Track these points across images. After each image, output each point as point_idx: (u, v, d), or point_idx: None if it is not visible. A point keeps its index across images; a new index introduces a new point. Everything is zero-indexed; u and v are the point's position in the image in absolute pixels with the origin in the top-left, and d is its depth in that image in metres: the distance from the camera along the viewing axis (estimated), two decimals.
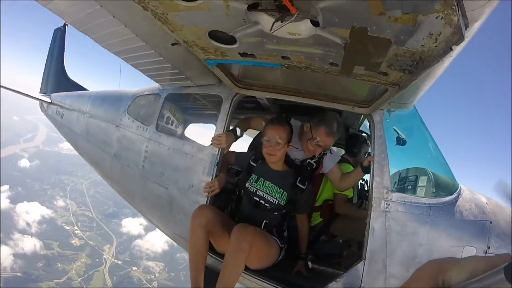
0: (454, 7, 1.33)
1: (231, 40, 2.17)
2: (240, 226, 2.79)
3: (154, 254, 78.61)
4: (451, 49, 1.62)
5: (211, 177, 3.48)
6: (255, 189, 3.25)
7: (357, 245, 3.80)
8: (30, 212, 79.77)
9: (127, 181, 4.61)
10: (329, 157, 3.57)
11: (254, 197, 3.23)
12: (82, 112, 5.81)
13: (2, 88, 7.55)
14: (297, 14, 1.54)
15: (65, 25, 8.88)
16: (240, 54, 2.40)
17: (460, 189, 3.19)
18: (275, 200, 3.18)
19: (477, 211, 3.04)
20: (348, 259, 3.50)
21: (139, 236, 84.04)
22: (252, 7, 1.65)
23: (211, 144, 3.55)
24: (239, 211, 3.34)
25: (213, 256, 3.30)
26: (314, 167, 3.41)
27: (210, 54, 2.56)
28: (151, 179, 4.07)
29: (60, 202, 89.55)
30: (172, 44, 2.92)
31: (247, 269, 2.93)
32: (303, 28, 1.76)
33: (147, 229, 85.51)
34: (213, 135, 3.56)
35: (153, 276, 70.86)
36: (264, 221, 3.20)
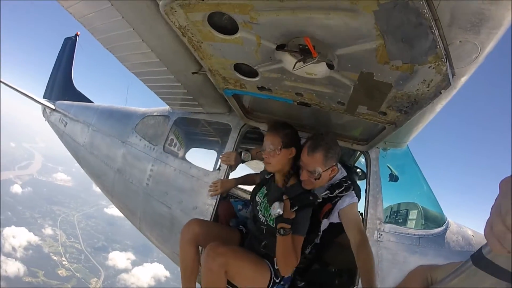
0: (443, 59, 1.62)
1: (253, 74, 2.41)
2: (210, 246, 2.65)
3: None
4: (440, 93, 1.90)
5: (215, 201, 3.59)
6: (260, 201, 3.08)
7: (347, 275, 3.91)
8: (17, 237, 79.57)
9: (129, 197, 4.65)
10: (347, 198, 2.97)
11: (255, 211, 3.10)
12: (87, 124, 5.84)
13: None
14: (318, 58, 1.84)
15: (76, 35, 9.05)
16: (258, 87, 2.63)
17: (448, 222, 3.42)
18: (264, 219, 2.96)
19: (464, 242, 3.27)
20: None
21: (126, 270, 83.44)
22: (280, 47, 1.92)
23: (217, 169, 3.70)
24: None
25: None
26: (319, 201, 2.89)
27: (230, 84, 2.78)
28: (155, 197, 4.15)
29: (49, 231, 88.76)
30: (193, 73, 3.10)
31: None
32: (319, 69, 2.04)
33: (134, 264, 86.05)
34: (214, 161, 3.67)
35: None
36: (264, 241, 2.97)
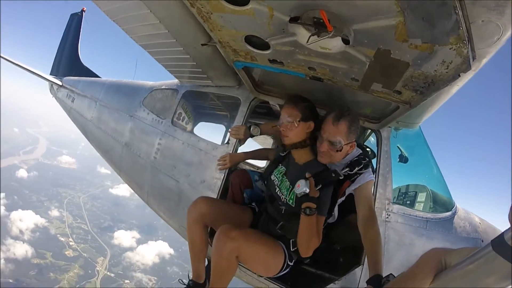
0: (465, 41, 1.54)
1: (265, 46, 2.31)
2: (222, 230, 2.51)
3: (145, 267, 79.93)
4: (459, 76, 1.82)
5: (223, 175, 3.56)
6: (276, 180, 2.94)
7: (352, 253, 3.94)
8: (24, 220, 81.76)
9: (137, 170, 4.65)
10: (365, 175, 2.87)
11: (272, 190, 2.96)
12: (95, 99, 5.82)
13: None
14: (333, 32, 1.74)
15: (82, 11, 9.01)
16: (269, 60, 2.53)
17: (456, 207, 3.39)
18: (284, 198, 2.80)
19: (470, 229, 3.25)
20: (344, 266, 3.63)
21: (130, 249, 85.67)
22: (293, 20, 1.82)
23: (226, 143, 3.66)
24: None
25: None
26: (341, 178, 2.75)
27: (240, 56, 2.69)
28: (162, 171, 4.13)
29: (55, 213, 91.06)
30: (202, 45, 2.99)
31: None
32: (334, 44, 1.94)
33: (139, 242, 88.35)
34: (223, 135, 3.61)
35: None
36: (281, 222, 2.85)
